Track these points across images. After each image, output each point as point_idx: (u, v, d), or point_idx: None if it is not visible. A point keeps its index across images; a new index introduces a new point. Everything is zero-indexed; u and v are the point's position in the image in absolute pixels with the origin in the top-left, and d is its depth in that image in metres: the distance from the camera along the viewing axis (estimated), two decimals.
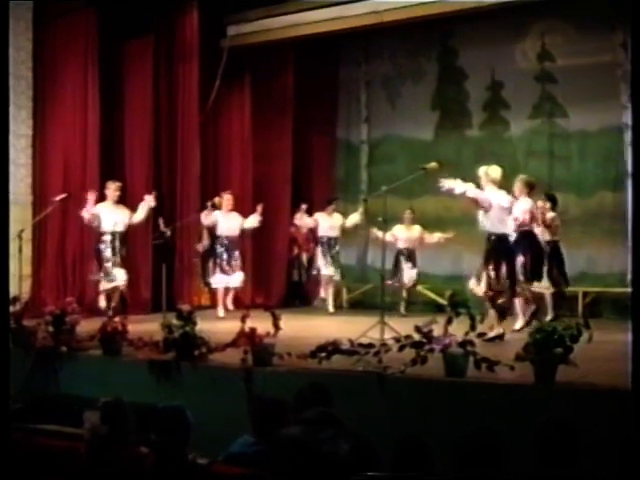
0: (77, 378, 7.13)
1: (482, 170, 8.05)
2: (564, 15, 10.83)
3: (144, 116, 11.08)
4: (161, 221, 9.80)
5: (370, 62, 12.60)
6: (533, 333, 5.39)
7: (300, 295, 12.16)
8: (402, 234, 10.81)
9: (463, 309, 5.76)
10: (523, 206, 8.29)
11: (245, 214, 11.13)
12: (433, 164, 8.15)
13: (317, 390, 4.56)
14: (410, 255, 10.89)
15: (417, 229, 10.92)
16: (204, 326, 7.13)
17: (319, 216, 11.28)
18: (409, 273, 10.86)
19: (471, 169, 11.61)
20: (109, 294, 9.92)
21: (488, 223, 7.82)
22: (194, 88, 11.15)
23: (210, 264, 10.82)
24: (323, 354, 6.15)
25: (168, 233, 9.55)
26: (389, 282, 10.25)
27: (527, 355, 5.40)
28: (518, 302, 8.08)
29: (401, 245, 10.84)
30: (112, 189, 9.92)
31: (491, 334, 6.98)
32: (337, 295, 11.72)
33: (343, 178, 12.95)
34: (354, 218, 11.20)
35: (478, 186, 7.86)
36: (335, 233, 11.28)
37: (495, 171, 8.02)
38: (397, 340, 6.02)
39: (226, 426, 5.60)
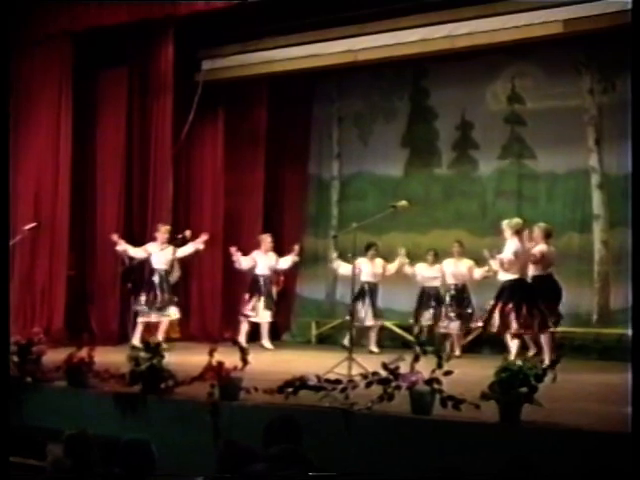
0: (41, 409, 7.05)
1: (505, 223, 8.82)
2: (534, 60, 11.03)
3: (117, 147, 11.09)
4: (125, 256, 9.79)
5: (343, 99, 12.70)
6: (499, 372, 5.42)
7: (269, 329, 12.13)
8: (426, 271, 10.58)
9: (430, 347, 5.78)
10: (543, 249, 8.78)
11: (215, 248, 11.14)
12: (403, 202, 8.27)
13: (287, 423, 4.54)
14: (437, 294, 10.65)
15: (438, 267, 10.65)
16: (172, 359, 7.08)
17: (361, 261, 10.39)
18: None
19: (440, 207, 11.88)
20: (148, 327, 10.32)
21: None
22: (167, 121, 11.15)
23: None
24: (290, 389, 6.13)
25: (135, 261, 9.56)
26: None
27: (493, 394, 5.42)
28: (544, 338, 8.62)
29: (427, 283, 10.66)
30: (162, 231, 10.48)
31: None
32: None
33: (314, 214, 12.97)
34: (393, 266, 10.71)
35: None
36: (376, 279, 10.69)
37: (518, 223, 8.82)
38: (364, 376, 6.03)
39: (191, 461, 5.57)
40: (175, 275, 11.55)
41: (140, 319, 10.42)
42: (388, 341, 11.20)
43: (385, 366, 5.81)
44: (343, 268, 10.47)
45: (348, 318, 9.30)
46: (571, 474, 4.72)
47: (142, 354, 6.80)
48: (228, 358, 6.45)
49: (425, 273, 10.60)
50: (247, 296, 11.04)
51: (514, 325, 8.57)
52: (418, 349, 5.82)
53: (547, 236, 8.91)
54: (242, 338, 10.54)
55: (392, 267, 10.72)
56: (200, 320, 11.84)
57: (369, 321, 10.62)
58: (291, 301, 12.40)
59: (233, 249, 10.99)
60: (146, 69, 11.24)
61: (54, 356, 7.62)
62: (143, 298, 10.39)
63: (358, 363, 7.14)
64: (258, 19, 10.84)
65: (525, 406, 5.38)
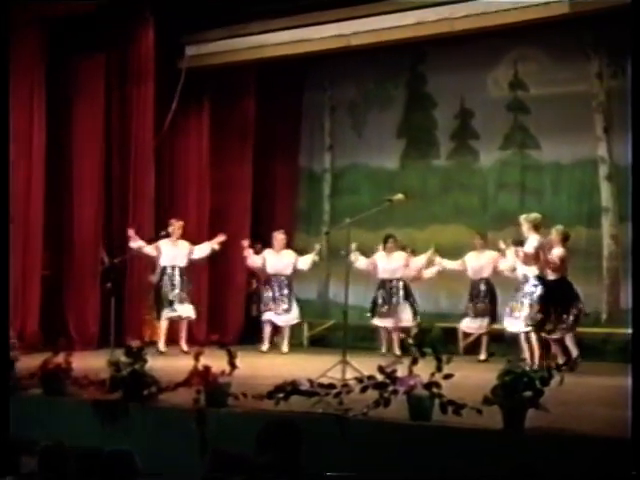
0: (14, 419, 7.02)
1: (523, 217, 8.95)
2: (538, 43, 11.04)
3: (95, 139, 11.05)
4: (104, 252, 9.79)
5: (335, 87, 12.72)
6: (502, 375, 5.44)
7: (259, 332, 12.14)
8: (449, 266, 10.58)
9: (429, 349, 5.79)
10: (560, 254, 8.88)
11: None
12: (399, 196, 8.28)
13: (284, 428, 4.53)
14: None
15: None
16: (155, 364, 7.09)
17: (378, 257, 10.70)
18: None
19: (438, 201, 11.90)
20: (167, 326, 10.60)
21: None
22: (149, 110, 11.14)
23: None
24: (281, 395, 6.14)
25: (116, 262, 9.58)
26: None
27: (495, 398, 5.44)
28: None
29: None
30: (176, 227, 10.62)
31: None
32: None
33: (305, 209, 13.00)
34: (420, 260, 10.69)
35: None
36: (396, 275, 10.64)
37: (536, 217, 8.97)
38: (359, 381, 6.04)
39: (177, 472, 5.57)
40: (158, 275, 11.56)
41: (163, 321, 10.62)
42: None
43: (381, 369, 5.82)
44: (361, 262, 10.52)
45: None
46: None
47: (123, 359, 6.79)
48: (215, 362, 6.45)
49: (447, 266, 10.55)
50: (261, 299, 11.15)
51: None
52: (416, 351, 5.82)
53: (565, 239, 8.98)
54: (266, 344, 10.86)
55: (418, 261, 10.66)
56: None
57: (387, 322, 10.61)
58: None
59: (245, 243, 11.06)
60: (125, 55, 11.22)
61: (28, 362, 7.60)
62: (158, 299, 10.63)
63: (353, 366, 7.16)
64: (245, 1, 10.84)
65: (530, 411, 5.40)
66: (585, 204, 11.02)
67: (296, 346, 11.77)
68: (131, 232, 10.52)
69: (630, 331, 9.29)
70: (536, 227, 8.90)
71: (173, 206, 11.90)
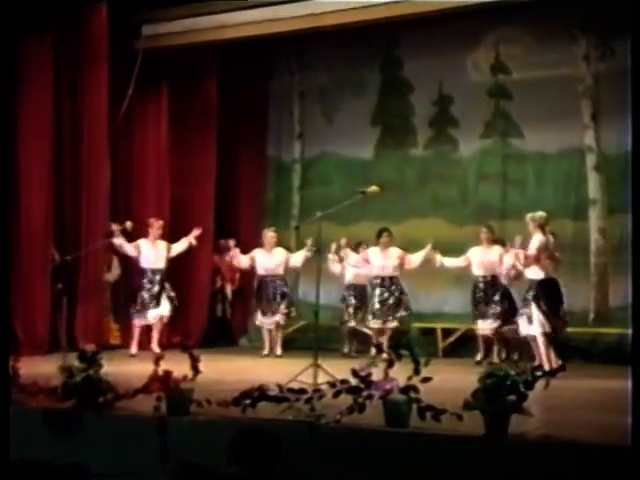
0: None
1: (529, 216, 9.05)
2: (521, 23, 11.10)
3: (43, 126, 10.92)
4: (53, 249, 9.70)
5: (305, 72, 12.71)
6: (483, 378, 5.45)
7: (224, 333, 12.12)
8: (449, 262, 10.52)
9: (406, 351, 5.79)
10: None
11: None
12: (374, 188, 8.28)
13: (258, 436, 4.51)
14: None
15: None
16: (111, 369, 7.04)
17: (371, 252, 10.66)
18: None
19: (415, 193, 11.93)
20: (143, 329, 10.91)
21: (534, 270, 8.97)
22: (103, 95, 11.07)
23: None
24: (248, 401, 6.11)
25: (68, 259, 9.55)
26: None
27: (476, 403, 5.44)
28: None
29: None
30: (155, 227, 10.94)
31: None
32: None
33: (273, 201, 12.98)
34: (418, 257, 10.59)
35: None
36: (391, 272, 10.60)
37: (542, 216, 9.06)
38: (332, 385, 6.03)
39: None
40: (115, 273, 11.54)
41: (136, 323, 10.91)
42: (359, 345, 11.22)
43: (355, 373, 5.82)
44: (352, 259, 10.53)
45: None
46: None
47: (76, 364, 6.74)
48: (177, 367, 6.42)
49: (448, 264, 10.48)
50: (255, 302, 11.25)
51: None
52: (391, 353, 5.82)
53: (542, 226, 9.03)
54: (266, 349, 10.94)
55: (416, 258, 10.58)
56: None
57: (374, 323, 10.59)
58: (248, 301, 12.37)
59: (231, 242, 11.12)
60: (75, 34, 11.09)
61: None
62: (137, 301, 10.90)
63: (325, 370, 7.16)
64: None
65: (513, 416, 5.42)
66: (571, 196, 11.10)
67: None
68: (115, 227, 10.69)
69: (622, 331, 9.56)
70: (541, 226, 9.00)
71: (130, 199, 11.84)
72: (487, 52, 11.53)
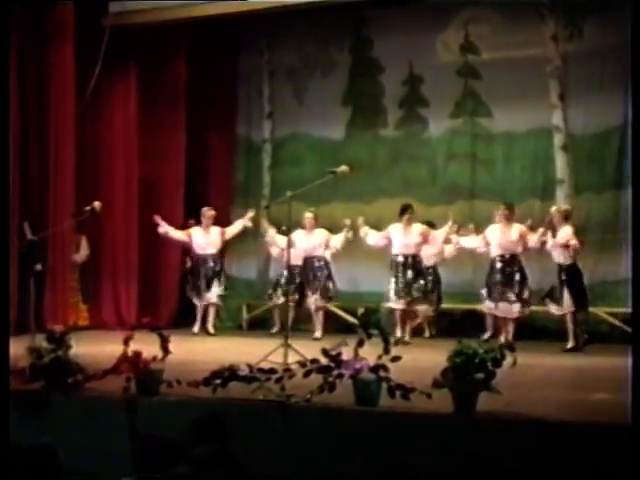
0: None
1: (554, 209, 9.76)
2: (490, 3, 11.12)
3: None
4: (26, 227, 9.62)
5: (274, 51, 12.65)
6: (452, 357, 5.49)
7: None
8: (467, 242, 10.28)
9: (375, 330, 5.82)
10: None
11: (130, 222, 11.06)
12: (343, 167, 8.28)
13: (212, 421, 4.54)
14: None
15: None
16: (80, 350, 7.01)
17: (393, 229, 10.22)
18: None
19: (385, 173, 11.94)
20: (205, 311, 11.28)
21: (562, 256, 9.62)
22: (69, 73, 10.97)
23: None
24: (218, 381, 6.12)
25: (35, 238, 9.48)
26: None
27: (445, 381, 5.49)
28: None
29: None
30: (207, 216, 11.19)
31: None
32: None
33: (243, 181, 12.95)
34: (441, 233, 10.37)
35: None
36: (413, 250, 10.16)
37: (567, 209, 9.83)
38: (302, 365, 6.05)
39: (104, 466, 5.54)
40: (83, 254, 11.47)
41: (196, 302, 11.26)
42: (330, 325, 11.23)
43: (325, 352, 5.84)
44: (372, 237, 10.32)
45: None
46: (532, 469, 4.82)
47: (45, 345, 6.71)
48: (146, 347, 6.42)
49: (465, 244, 10.25)
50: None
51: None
52: (362, 332, 5.84)
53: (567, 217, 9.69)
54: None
55: (439, 236, 10.31)
56: (113, 304, 11.75)
57: (398, 303, 10.16)
58: None
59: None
60: (40, 11, 10.93)
61: None
62: (192, 285, 11.28)
63: (295, 350, 7.18)
64: None
65: (482, 394, 5.47)
66: (539, 176, 11.18)
67: (234, 329, 11.79)
68: (157, 219, 10.89)
69: (590, 310, 9.72)
70: (566, 218, 9.61)
71: (98, 179, 11.76)
72: (457, 32, 11.54)
